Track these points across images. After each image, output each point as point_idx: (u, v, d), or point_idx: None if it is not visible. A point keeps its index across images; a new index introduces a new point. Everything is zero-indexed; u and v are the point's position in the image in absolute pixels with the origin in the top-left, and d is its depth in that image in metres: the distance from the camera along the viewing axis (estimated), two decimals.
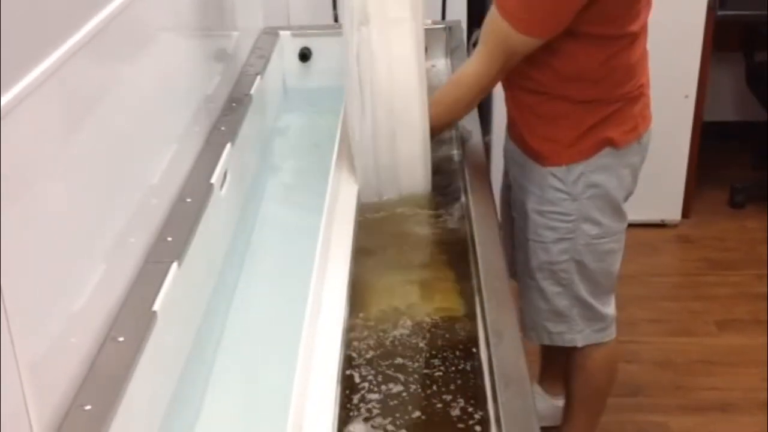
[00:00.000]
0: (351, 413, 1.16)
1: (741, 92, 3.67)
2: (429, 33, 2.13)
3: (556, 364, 2.24)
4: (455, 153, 1.85)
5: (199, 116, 1.75)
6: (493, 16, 1.68)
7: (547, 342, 1.98)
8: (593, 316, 1.93)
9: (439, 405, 1.17)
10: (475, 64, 1.73)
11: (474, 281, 1.42)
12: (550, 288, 1.89)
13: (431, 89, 1.75)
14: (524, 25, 1.64)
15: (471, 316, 1.34)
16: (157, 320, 1.23)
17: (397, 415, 1.15)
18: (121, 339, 1.19)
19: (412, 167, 1.69)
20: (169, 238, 1.42)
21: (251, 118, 1.95)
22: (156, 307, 1.25)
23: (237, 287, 1.65)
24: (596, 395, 2.10)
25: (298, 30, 2.43)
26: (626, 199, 1.89)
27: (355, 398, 1.18)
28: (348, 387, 1.20)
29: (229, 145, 1.73)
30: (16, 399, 0.95)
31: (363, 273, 1.47)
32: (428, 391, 1.19)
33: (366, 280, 1.46)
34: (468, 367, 1.24)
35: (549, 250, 1.85)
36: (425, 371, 1.24)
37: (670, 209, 3.30)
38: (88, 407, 1.07)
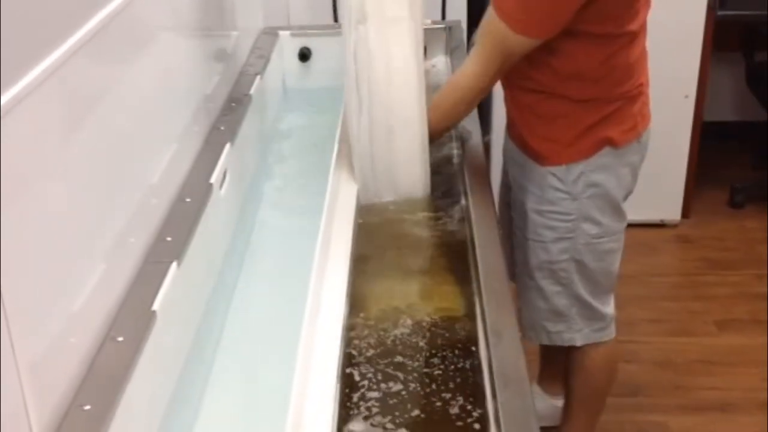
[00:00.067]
0: (351, 412, 1.16)
1: (741, 92, 3.67)
2: (429, 33, 2.13)
3: (556, 364, 2.24)
4: (455, 153, 1.85)
5: (199, 116, 1.75)
6: (490, 17, 1.68)
7: (546, 342, 1.98)
8: (592, 315, 1.93)
9: (439, 404, 1.17)
10: (472, 66, 1.73)
11: (474, 282, 1.42)
12: (550, 287, 1.89)
13: (430, 89, 1.75)
14: (522, 26, 1.64)
15: (470, 316, 1.35)
16: (157, 320, 1.23)
17: (397, 413, 1.15)
18: (120, 339, 1.19)
19: (410, 167, 1.69)
20: (169, 238, 1.42)
21: (251, 118, 1.95)
22: (155, 306, 1.25)
23: (236, 287, 1.65)
24: (595, 395, 2.10)
25: (298, 30, 2.43)
26: (626, 198, 1.89)
27: (355, 397, 1.18)
28: (347, 386, 1.20)
29: (228, 145, 1.73)
30: (15, 399, 0.95)
31: (362, 273, 1.47)
32: (427, 390, 1.19)
33: (365, 280, 1.46)
34: (467, 367, 1.24)
35: (548, 249, 1.85)
36: (425, 370, 1.24)
37: (670, 209, 3.30)
38: (87, 407, 1.07)
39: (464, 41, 2.42)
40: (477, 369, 1.23)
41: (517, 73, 1.76)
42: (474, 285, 1.41)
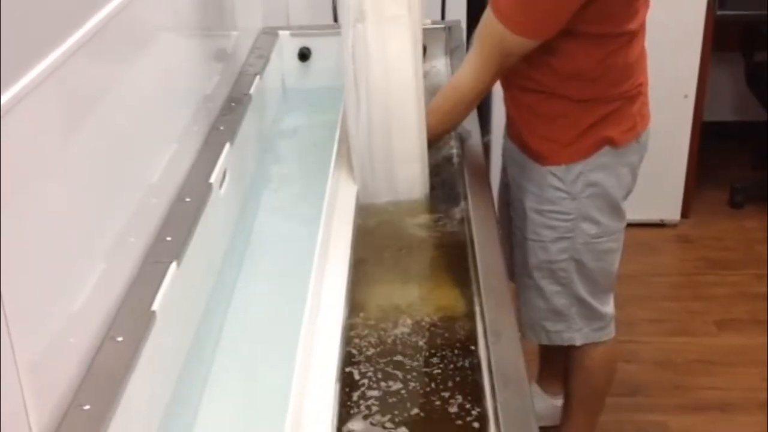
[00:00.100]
0: (350, 411, 1.16)
1: (740, 92, 3.67)
2: (428, 33, 2.13)
3: (555, 364, 2.25)
4: (454, 153, 1.85)
5: (198, 116, 1.75)
6: (488, 19, 1.68)
7: (545, 341, 1.98)
8: (592, 315, 1.93)
9: (438, 403, 1.17)
10: (470, 68, 1.73)
11: (473, 281, 1.42)
12: (549, 287, 1.89)
13: (430, 89, 1.75)
14: (520, 27, 1.64)
15: (470, 315, 1.35)
16: (156, 320, 1.23)
17: (396, 412, 1.15)
18: (120, 339, 1.19)
19: (408, 165, 1.68)
20: (168, 238, 1.42)
21: (250, 118, 1.95)
22: (155, 306, 1.25)
23: (236, 287, 1.65)
24: (595, 394, 2.10)
25: (298, 30, 2.43)
26: (625, 198, 1.89)
27: (355, 396, 1.18)
28: (347, 385, 1.21)
29: (228, 145, 1.73)
30: (15, 399, 0.95)
31: (362, 272, 1.47)
32: (427, 390, 1.19)
33: (365, 280, 1.46)
34: (467, 367, 1.24)
35: (548, 249, 1.86)
36: (424, 370, 1.24)
37: (670, 209, 3.30)
38: (87, 407, 1.07)
39: (464, 41, 2.42)
40: (476, 369, 1.23)
41: (516, 73, 1.76)
42: (473, 285, 1.41)
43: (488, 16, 1.67)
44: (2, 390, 0.92)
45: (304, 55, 2.40)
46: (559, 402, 2.21)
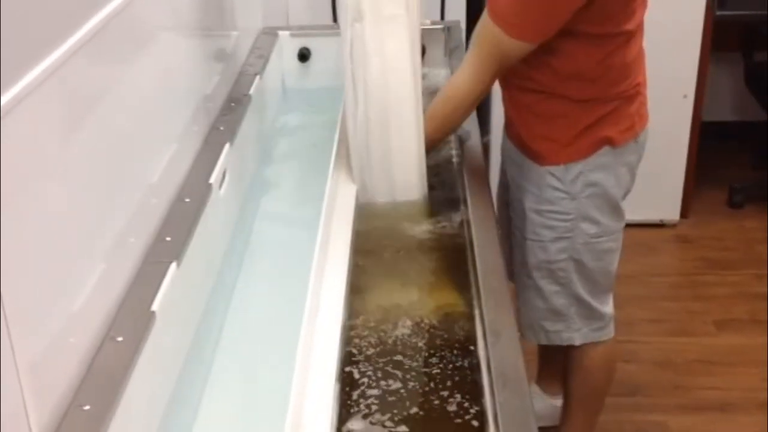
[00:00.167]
0: (350, 410, 1.16)
1: (740, 92, 3.67)
2: (428, 33, 2.14)
3: (554, 364, 2.25)
4: (454, 154, 1.85)
5: (198, 116, 1.76)
6: (484, 22, 1.68)
7: (544, 341, 1.98)
8: (591, 314, 1.93)
9: (437, 402, 1.17)
10: (468, 71, 1.73)
11: (472, 281, 1.42)
12: (548, 287, 1.89)
13: (428, 90, 1.75)
14: (516, 30, 1.64)
15: (469, 315, 1.35)
16: (156, 320, 1.23)
17: (395, 411, 1.15)
18: (120, 339, 1.19)
19: (406, 165, 1.68)
20: (168, 238, 1.42)
21: (250, 118, 1.95)
22: (155, 307, 1.25)
23: (236, 287, 1.65)
24: (594, 394, 2.10)
25: (298, 30, 2.43)
26: (624, 197, 1.89)
27: (354, 395, 1.19)
28: (347, 384, 1.21)
29: (227, 145, 1.73)
30: (15, 399, 0.95)
31: (362, 272, 1.48)
32: (426, 390, 1.20)
33: (365, 280, 1.46)
34: (466, 366, 1.24)
35: (547, 249, 1.86)
36: (424, 370, 1.24)
37: (669, 209, 3.30)
38: (87, 407, 1.07)
39: (463, 42, 2.42)
40: (476, 368, 1.23)
41: (516, 73, 1.76)
42: (473, 285, 1.41)
43: (485, 19, 1.68)
44: (2, 390, 0.92)
45: (303, 55, 2.40)
46: (558, 402, 2.21)
